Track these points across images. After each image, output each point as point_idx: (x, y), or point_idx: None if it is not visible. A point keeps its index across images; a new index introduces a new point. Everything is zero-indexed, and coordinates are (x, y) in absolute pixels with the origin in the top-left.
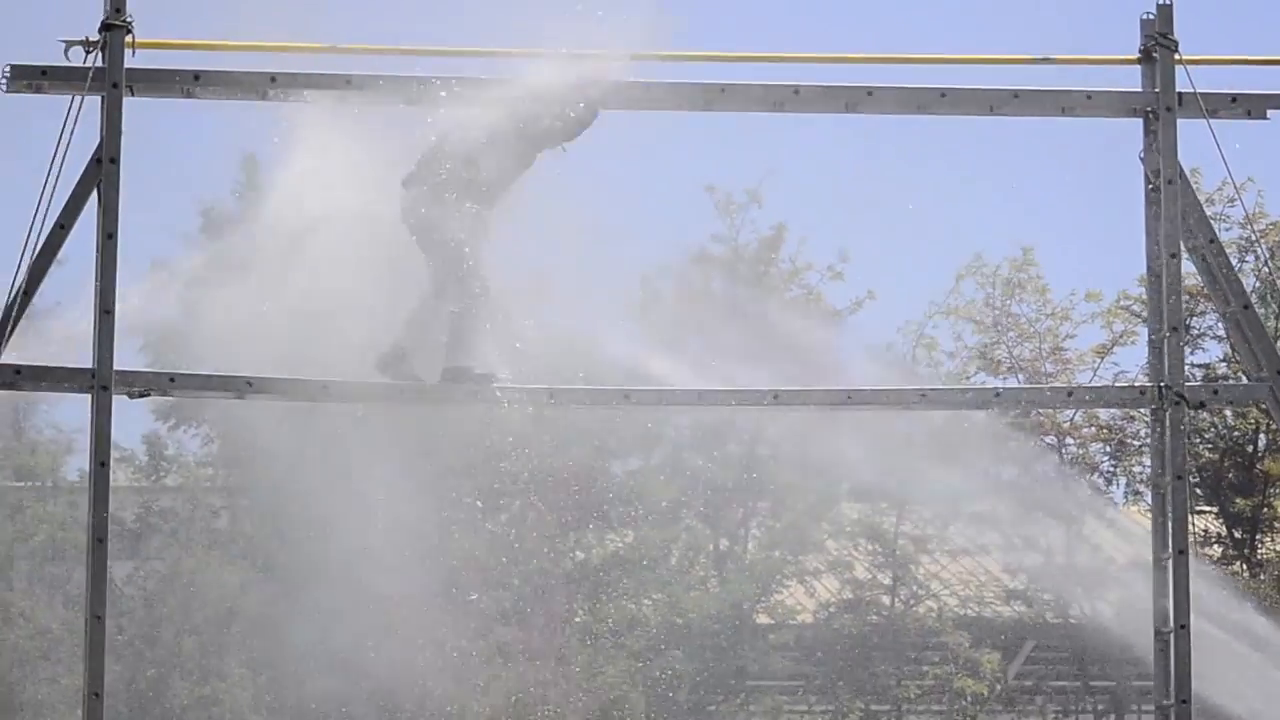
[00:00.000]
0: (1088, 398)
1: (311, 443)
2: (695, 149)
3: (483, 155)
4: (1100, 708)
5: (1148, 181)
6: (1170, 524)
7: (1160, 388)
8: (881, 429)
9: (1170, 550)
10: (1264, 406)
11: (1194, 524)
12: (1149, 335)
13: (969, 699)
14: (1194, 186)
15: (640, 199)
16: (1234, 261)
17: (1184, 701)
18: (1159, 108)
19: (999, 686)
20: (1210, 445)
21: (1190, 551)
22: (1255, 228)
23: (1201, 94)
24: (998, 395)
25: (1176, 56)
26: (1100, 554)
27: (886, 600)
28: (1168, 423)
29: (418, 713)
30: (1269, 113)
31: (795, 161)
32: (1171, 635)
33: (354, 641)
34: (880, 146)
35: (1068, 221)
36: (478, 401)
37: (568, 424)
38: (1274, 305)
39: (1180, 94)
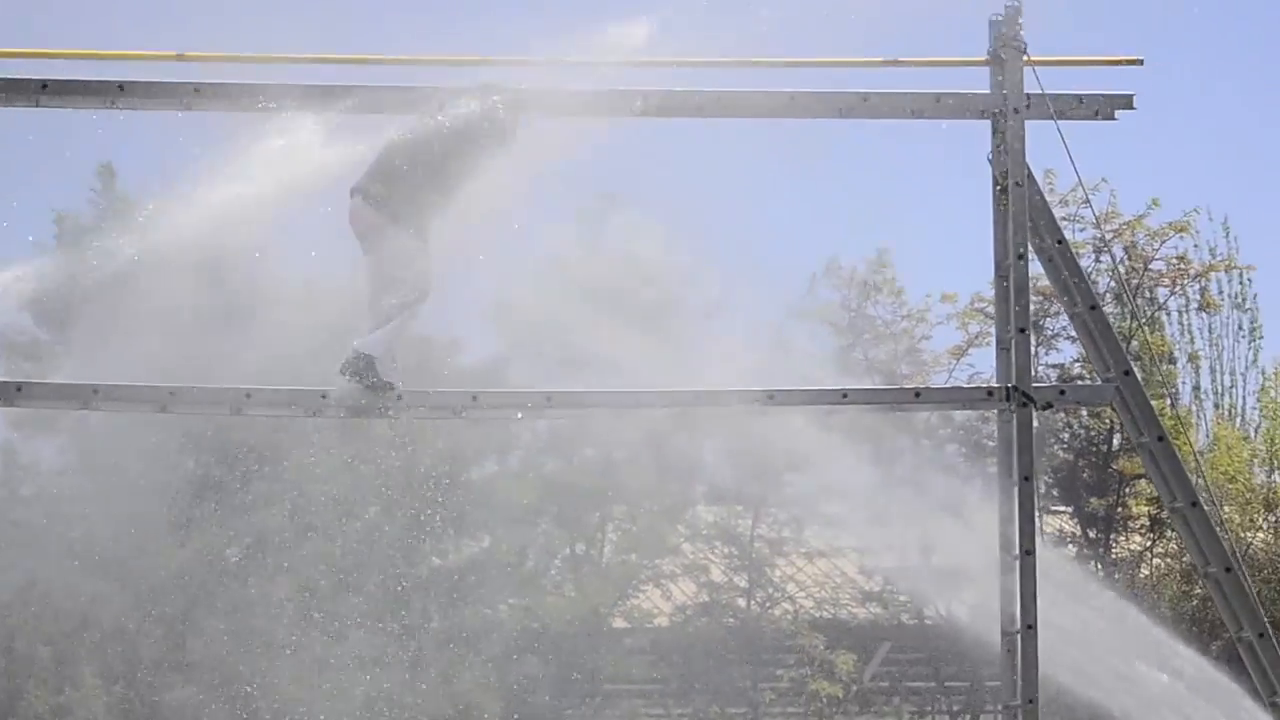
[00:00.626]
0: (936, 399)
1: (168, 450)
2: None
3: (428, 165)
4: (955, 708)
5: (996, 183)
6: (1017, 525)
7: (1008, 389)
8: (739, 431)
9: (1018, 551)
10: (1113, 407)
11: (1048, 524)
12: (997, 336)
13: (825, 701)
14: (1049, 187)
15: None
16: (1089, 261)
17: (1030, 702)
18: (1006, 109)
19: (855, 688)
20: (1065, 446)
21: (1047, 548)
22: (1107, 228)
23: (1049, 95)
24: (845, 396)
25: (1024, 58)
26: (956, 554)
27: (742, 603)
28: (1015, 424)
29: (275, 718)
30: (1116, 114)
31: (652, 166)
32: (1019, 636)
33: (208, 650)
34: (731, 150)
35: (923, 223)
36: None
37: (423, 428)
38: (1129, 304)
39: (1028, 95)
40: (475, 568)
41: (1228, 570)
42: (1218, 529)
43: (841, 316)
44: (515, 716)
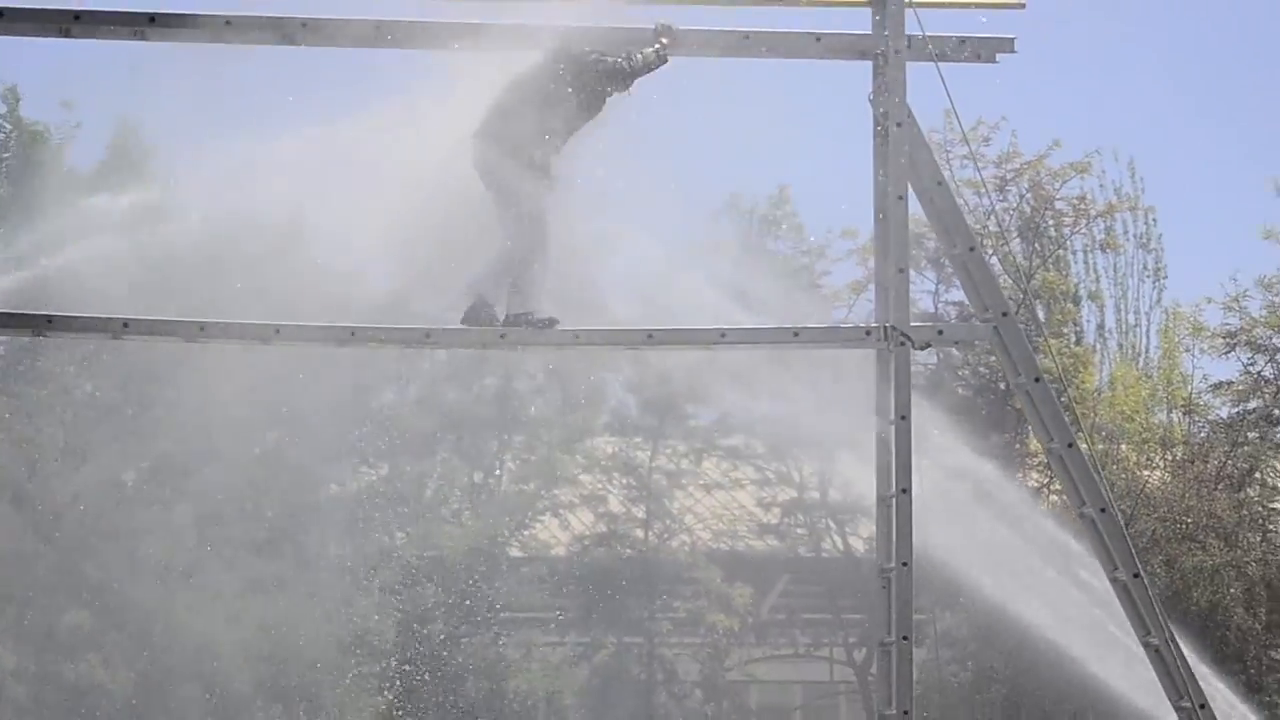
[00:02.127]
0: (814, 338)
1: (64, 375)
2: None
3: (548, 104)
4: (852, 640)
5: (877, 124)
6: (894, 463)
7: (885, 328)
8: (640, 364)
9: (894, 489)
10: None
11: (946, 461)
12: (876, 276)
13: (721, 633)
14: (948, 126)
15: None
16: (994, 198)
17: (905, 638)
18: (887, 50)
19: (751, 620)
20: (964, 383)
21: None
22: (1009, 167)
23: (930, 37)
24: (723, 335)
25: (906, 0)
26: (853, 489)
27: (640, 534)
28: (893, 362)
29: (170, 644)
30: (997, 56)
31: None
32: (893, 574)
33: (104, 574)
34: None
35: (824, 160)
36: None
37: (323, 358)
38: (1035, 244)
39: (909, 37)
40: (374, 496)
41: (1103, 510)
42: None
43: (742, 252)
44: (409, 644)
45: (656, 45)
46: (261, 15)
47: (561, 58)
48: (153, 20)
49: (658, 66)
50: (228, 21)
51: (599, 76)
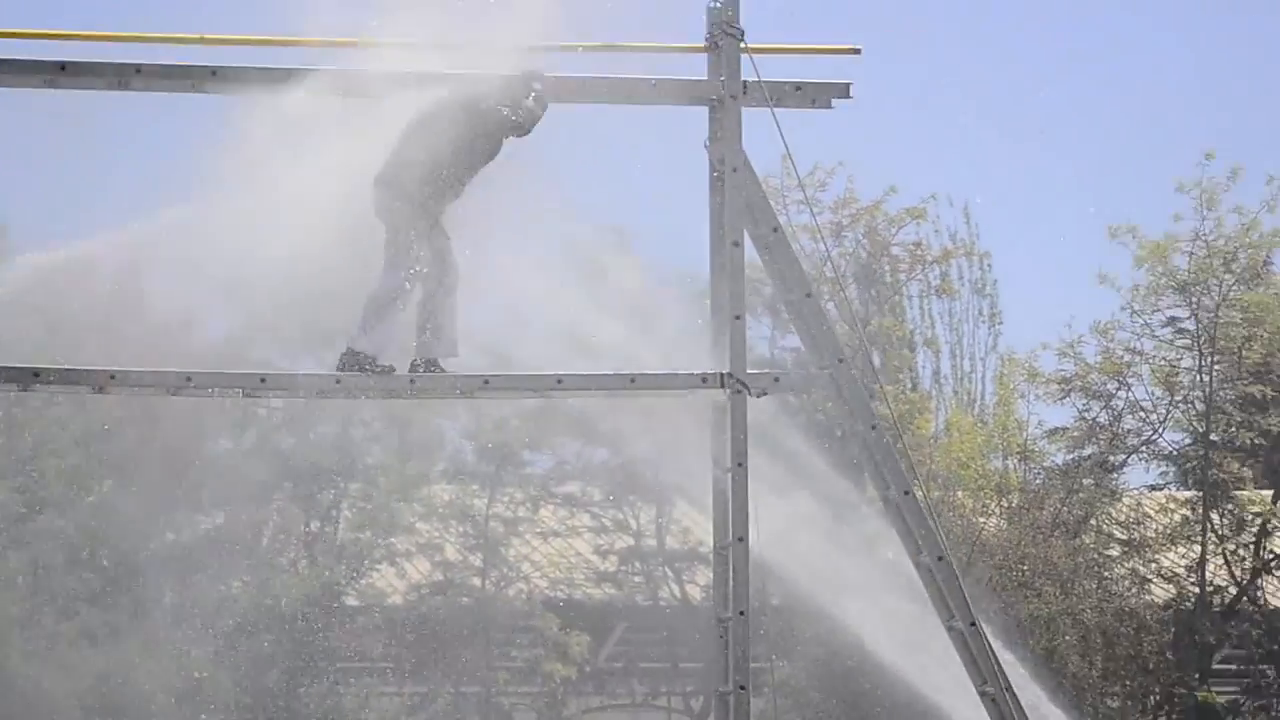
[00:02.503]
0: (652, 384)
1: None
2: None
3: (447, 151)
4: (690, 689)
5: (713, 169)
6: (731, 511)
7: (723, 375)
8: (477, 411)
9: (731, 537)
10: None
11: (787, 505)
12: (712, 321)
13: (559, 681)
14: (786, 172)
15: None
16: (830, 244)
17: (742, 687)
18: (723, 96)
19: (589, 669)
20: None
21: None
22: (845, 213)
23: (766, 83)
24: (559, 381)
25: (742, 45)
26: (691, 536)
27: (477, 582)
28: (730, 411)
29: (3, 694)
30: (833, 102)
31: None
32: (731, 623)
33: None
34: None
35: (662, 204)
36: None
37: (162, 404)
38: (873, 290)
39: (745, 82)
40: (209, 544)
41: (940, 559)
42: (932, 520)
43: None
44: (246, 694)
45: (532, 94)
46: (170, 64)
47: (457, 106)
48: (63, 69)
49: (541, 115)
50: (137, 69)
51: (496, 125)
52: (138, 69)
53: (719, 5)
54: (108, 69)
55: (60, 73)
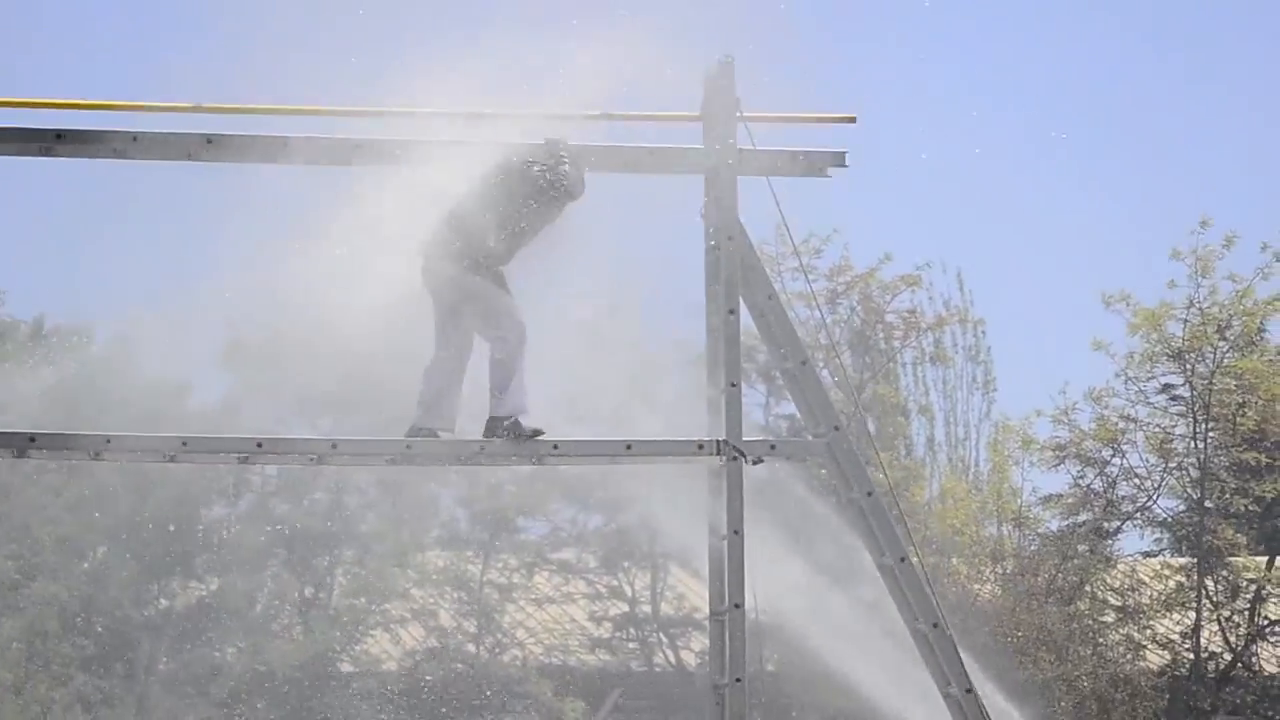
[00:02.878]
0: (648, 451)
1: None
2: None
3: (503, 215)
4: None
5: (708, 238)
6: (727, 578)
7: (719, 442)
8: (471, 476)
9: (727, 603)
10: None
11: (783, 574)
12: (708, 389)
13: None
14: (779, 239)
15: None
16: (825, 311)
17: None
18: (719, 164)
19: None
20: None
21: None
22: (840, 280)
23: (761, 151)
24: (555, 448)
25: (738, 114)
26: (685, 603)
27: (472, 648)
28: (725, 477)
29: None
30: (829, 171)
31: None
32: (727, 690)
33: None
34: None
35: (657, 271)
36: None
37: (155, 470)
38: (867, 357)
39: (741, 151)
40: (204, 610)
41: (935, 625)
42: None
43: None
44: None
45: (564, 160)
46: (167, 131)
47: (499, 172)
48: (59, 137)
49: (579, 175)
50: (134, 138)
51: (535, 187)
52: (134, 137)
53: (715, 74)
54: (104, 137)
55: (57, 141)
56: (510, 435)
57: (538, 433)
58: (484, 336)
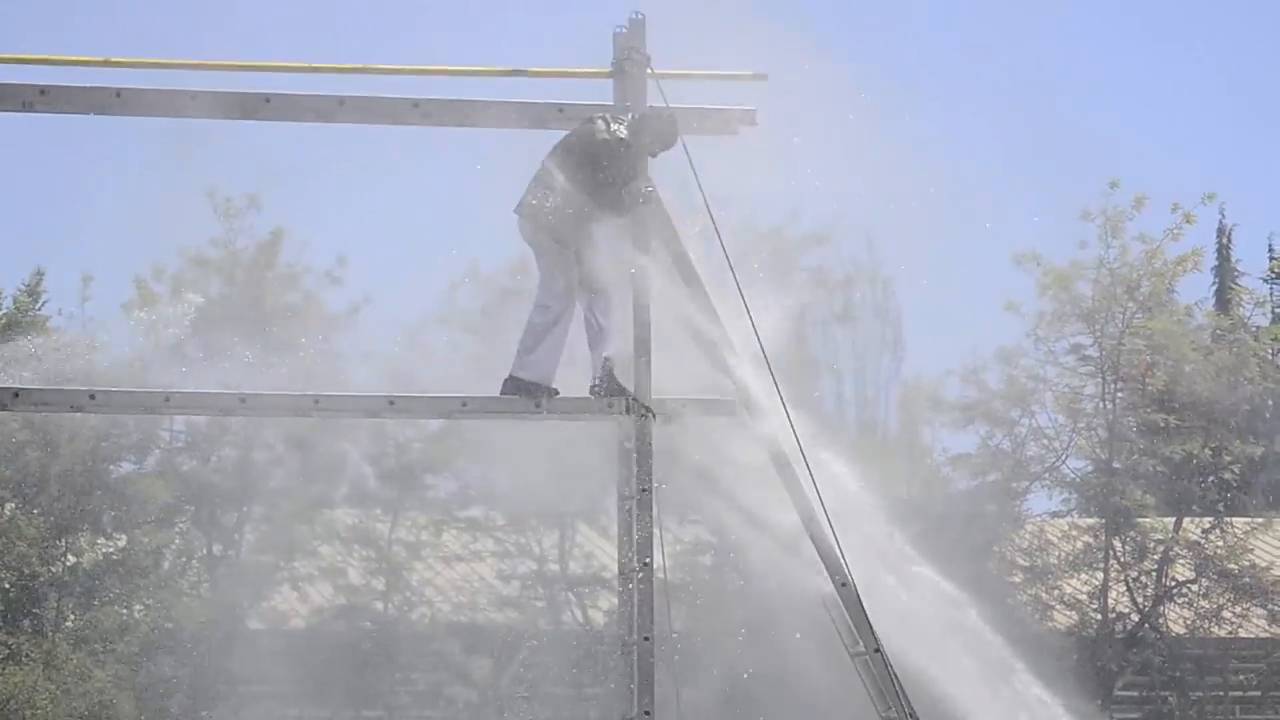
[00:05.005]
0: (558, 409)
1: None
2: (193, 152)
3: (573, 188)
4: (593, 715)
5: None
6: (635, 536)
7: (628, 401)
8: (378, 434)
9: (636, 562)
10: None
11: (687, 534)
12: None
13: (461, 705)
14: (683, 198)
15: (138, 202)
16: (735, 271)
17: (646, 713)
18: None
19: (491, 693)
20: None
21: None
22: (748, 237)
23: (672, 109)
24: (464, 405)
25: (648, 71)
26: (593, 561)
27: (380, 606)
28: (635, 436)
29: None
30: (740, 129)
31: (293, 166)
32: (635, 648)
33: None
34: (357, 150)
35: None
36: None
37: (60, 426)
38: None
39: (651, 108)
40: (111, 567)
41: (844, 585)
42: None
43: (483, 322)
44: (148, 717)
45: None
46: (150, 89)
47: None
48: (42, 93)
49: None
50: (117, 93)
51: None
52: (117, 93)
53: (625, 30)
54: (87, 94)
55: (40, 97)
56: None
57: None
58: (536, 299)
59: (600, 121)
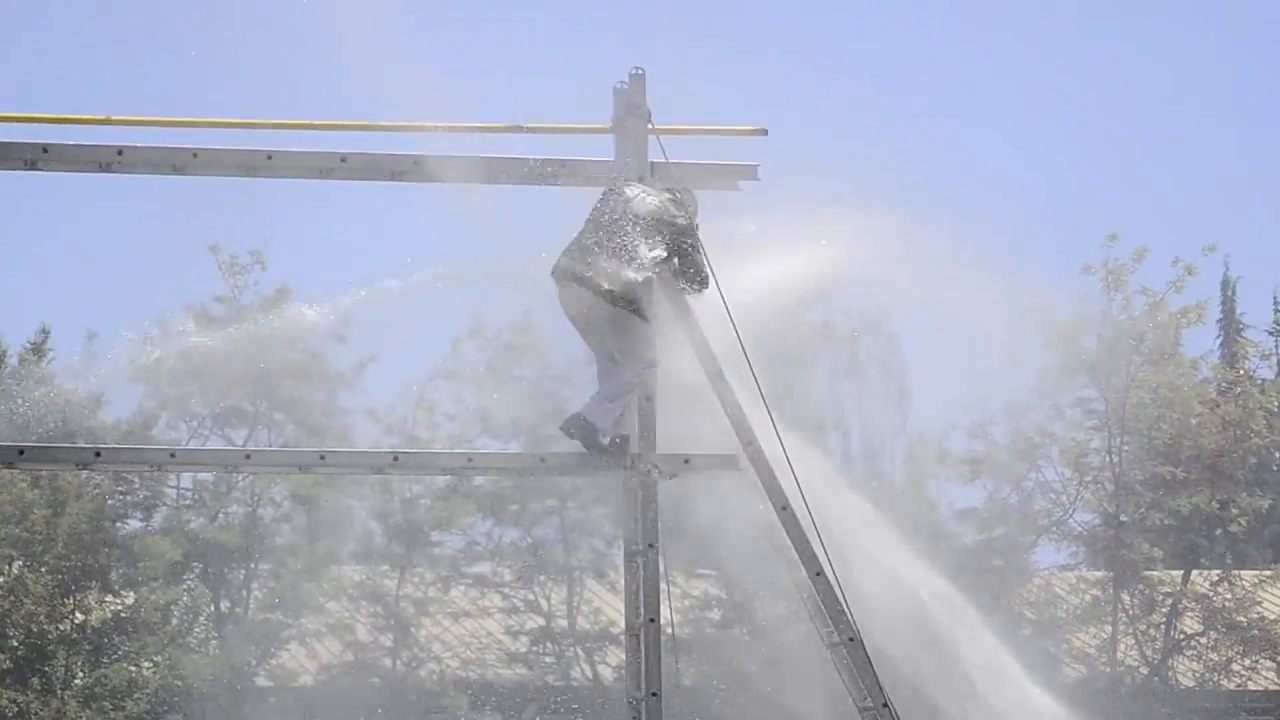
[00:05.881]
0: (562, 464)
1: None
2: (197, 209)
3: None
4: None
5: None
6: (642, 591)
7: (633, 457)
8: (387, 490)
9: (642, 618)
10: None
11: (693, 588)
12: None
13: None
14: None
15: (141, 257)
16: (738, 324)
17: None
18: (630, 177)
19: None
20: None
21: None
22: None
23: (673, 164)
24: (470, 460)
25: (649, 126)
26: (601, 616)
27: (388, 662)
28: (640, 491)
29: None
30: (741, 184)
31: (297, 224)
32: (643, 704)
33: None
34: (367, 212)
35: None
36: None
37: (67, 483)
38: (781, 369)
39: (653, 164)
40: (119, 625)
41: (851, 640)
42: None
43: (487, 377)
44: None
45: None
46: (152, 146)
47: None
48: (45, 151)
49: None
50: (119, 151)
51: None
52: (119, 151)
53: (626, 85)
54: (90, 152)
55: (43, 155)
56: (579, 436)
57: (609, 445)
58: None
59: (650, 195)
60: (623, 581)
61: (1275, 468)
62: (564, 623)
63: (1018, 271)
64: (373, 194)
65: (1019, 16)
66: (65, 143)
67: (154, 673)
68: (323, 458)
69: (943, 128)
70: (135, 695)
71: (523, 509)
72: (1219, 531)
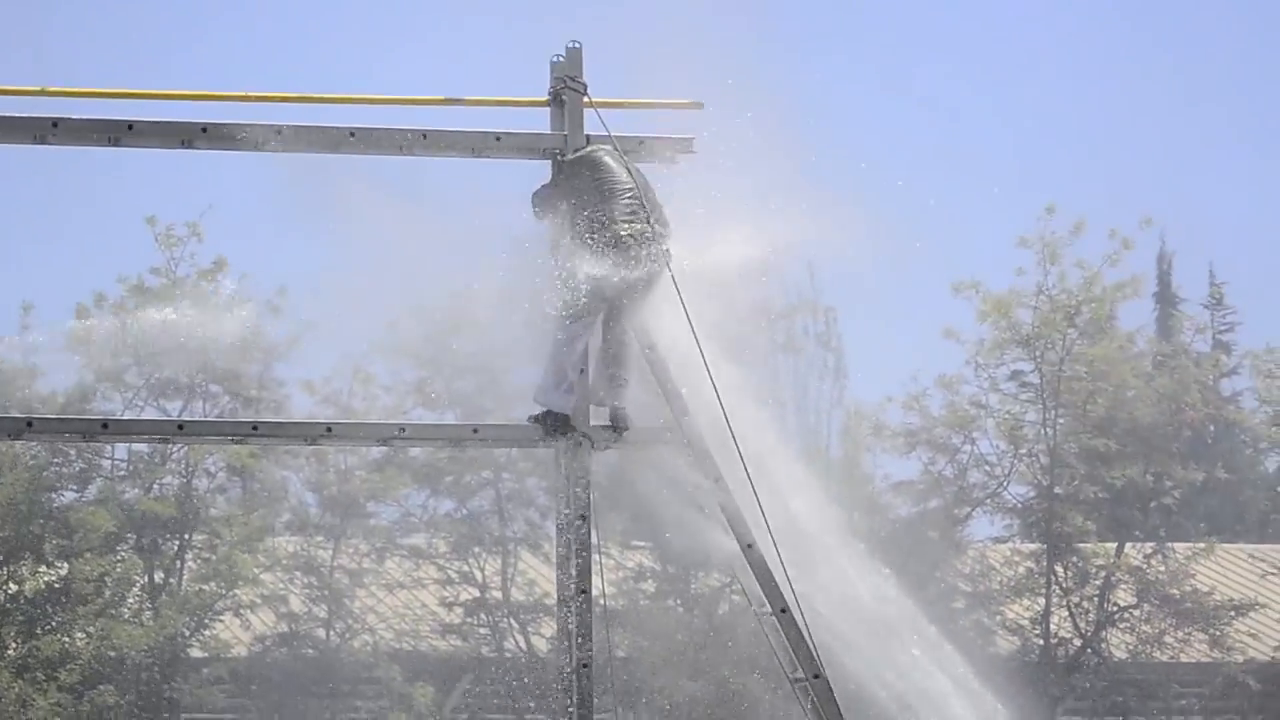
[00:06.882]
0: (494, 435)
1: None
2: (134, 181)
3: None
4: None
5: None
6: (573, 562)
7: (565, 427)
8: (322, 461)
9: (574, 589)
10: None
11: (628, 560)
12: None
13: None
14: None
15: (77, 231)
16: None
17: None
18: (566, 150)
19: None
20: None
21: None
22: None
23: (610, 137)
24: (402, 430)
25: (585, 99)
26: (536, 588)
27: (322, 633)
28: (570, 462)
29: None
30: (679, 158)
31: (235, 195)
32: (574, 676)
33: None
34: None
35: (510, 259)
36: None
37: (2, 455)
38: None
39: (589, 136)
40: (53, 595)
41: (784, 611)
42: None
43: (425, 349)
44: None
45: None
46: (162, 120)
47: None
48: (55, 125)
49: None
50: (129, 125)
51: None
52: (130, 125)
53: (562, 59)
54: (100, 126)
55: (52, 129)
56: (556, 428)
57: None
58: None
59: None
60: (554, 552)
61: (1209, 441)
62: (498, 594)
63: (953, 244)
64: (310, 166)
65: None
66: (77, 117)
67: (87, 643)
68: (255, 428)
69: (880, 99)
70: (68, 666)
71: (458, 481)
72: (1153, 504)
